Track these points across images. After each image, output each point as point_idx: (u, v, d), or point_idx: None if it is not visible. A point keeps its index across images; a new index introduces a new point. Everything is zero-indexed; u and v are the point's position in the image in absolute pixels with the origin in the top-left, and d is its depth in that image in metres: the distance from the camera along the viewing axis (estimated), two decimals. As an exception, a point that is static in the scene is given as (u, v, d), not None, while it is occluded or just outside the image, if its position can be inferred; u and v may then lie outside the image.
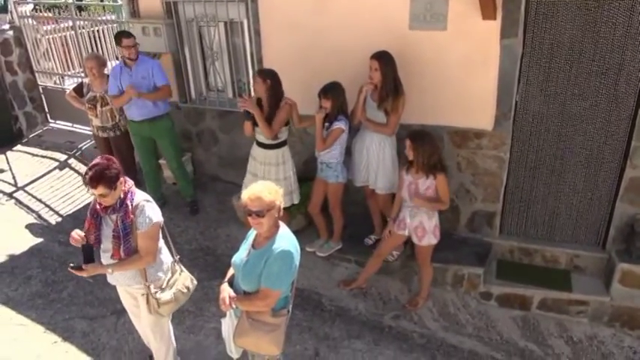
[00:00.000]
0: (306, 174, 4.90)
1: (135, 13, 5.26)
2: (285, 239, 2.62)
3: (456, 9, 3.93)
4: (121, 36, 4.63)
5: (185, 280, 3.18)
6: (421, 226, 3.84)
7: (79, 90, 5.21)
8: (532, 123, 4.09)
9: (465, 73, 4.09)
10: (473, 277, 4.27)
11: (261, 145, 4.22)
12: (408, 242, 4.19)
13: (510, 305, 4.22)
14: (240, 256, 2.75)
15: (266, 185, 2.59)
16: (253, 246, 2.69)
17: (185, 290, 3.14)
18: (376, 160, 4.15)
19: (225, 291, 2.68)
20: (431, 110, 4.29)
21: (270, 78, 4.07)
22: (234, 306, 2.64)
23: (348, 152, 4.27)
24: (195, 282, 3.26)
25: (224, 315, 2.90)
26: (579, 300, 4.07)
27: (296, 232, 4.67)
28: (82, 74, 6.59)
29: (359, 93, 4.08)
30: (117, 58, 6.58)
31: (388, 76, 3.92)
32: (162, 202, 5.31)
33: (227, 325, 2.87)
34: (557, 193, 4.25)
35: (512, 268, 4.41)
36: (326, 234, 4.57)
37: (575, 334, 3.98)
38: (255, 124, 4.11)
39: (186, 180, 5.28)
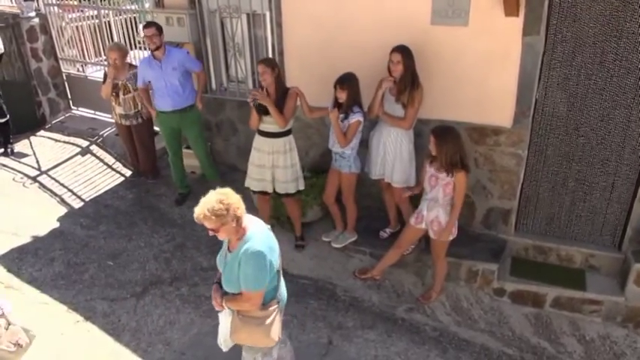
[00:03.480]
0: (324, 166, 4.94)
1: (159, 3, 5.34)
2: (255, 239, 2.57)
3: (478, 5, 3.93)
4: (144, 26, 4.75)
5: (12, 336, 2.76)
6: (437, 220, 3.87)
7: (105, 80, 5.31)
8: (551, 121, 4.09)
9: (486, 69, 4.09)
10: (487, 273, 4.29)
11: (267, 134, 4.25)
12: (424, 236, 4.22)
13: (523, 302, 4.23)
14: (221, 256, 2.76)
15: (212, 203, 2.45)
16: (229, 249, 2.68)
17: (12, 348, 2.72)
18: (393, 154, 4.19)
19: (217, 292, 2.72)
20: (450, 106, 4.31)
21: (277, 66, 4.15)
22: (225, 307, 2.68)
23: (364, 144, 4.31)
24: (33, 334, 2.85)
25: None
26: (593, 299, 4.07)
27: (312, 223, 4.84)
28: (105, 62, 6.69)
29: (377, 87, 4.12)
30: (137, 47, 6.69)
31: (408, 68, 3.96)
32: (187, 191, 5.42)
33: (223, 321, 2.83)
34: (575, 192, 4.24)
35: (527, 266, 4.42)
36: (341, 225, 4.62)
37: (588, 333, 3.99)
38: (262, 114, 4.15)
39: (213, 168, 5.37)
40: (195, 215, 2.50)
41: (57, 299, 4.05)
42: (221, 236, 2.56)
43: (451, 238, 3.94)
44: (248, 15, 5.05)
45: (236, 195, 2.55)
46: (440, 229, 3.88)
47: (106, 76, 5.29)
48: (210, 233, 2.54)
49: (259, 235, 2.61)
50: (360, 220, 4.66)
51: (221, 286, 2.75)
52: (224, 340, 2.83)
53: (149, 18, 5.79)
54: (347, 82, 3.99)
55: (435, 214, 3.86)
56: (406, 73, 3.97)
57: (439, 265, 4.15)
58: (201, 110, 5.10)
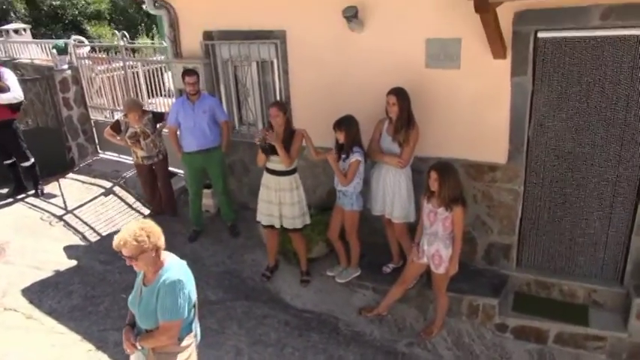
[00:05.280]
0: (330, 204, 5.12)
1: (178, 54, 5.79)
2: (173, 269, 2.60)
3: (468, 49, 4.17)
4: (184, 74, 5.13)
5: None
6: (438, 254, 3.96)
7: (116, 127, 5.69)
8: (545, 157, 4.21)
9: (479, 108, 4.29)
10: (488, 308, 4.32)
11: (274, 172, 4.48)
12: (425, 271, 4.31)
13: (526, 338, 4.24)
14: (134, 296, 2.73)
15: (133, 230, 2.50)
16: (144, 283, 2.67)
17: None
18: (392, 190, 4.35)
19: (129, 333, 2.71)
20: (447, 144, 4.49)
21: (287, 110, 4.45)
22: (139, 347, 2.66)
23: (365, 181, 4.49)
24: None
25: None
26: (597, 335, 4.05)
27: (318, 259, 4.98)
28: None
29: (375, 128, 4.36)
30: (163, 95, 7.16)
31: (404, 110, 4.18)
32: (201, 229, 5.68)
33: None
34: (574, 227, 4.30)
35: (529, 301, 4.43)
36: (345, 260, 4.75)
37: (593, 370, 3.95)
38: (268, 154, 4.40)
39: (230, 206, 5.64)
40: (115, 242, 2.49)
41: (72, 329, 4.26)
42: (138, 266, 2.56)
43: (454, 272, 4.03)
44: (257, 63, 5.42)
45: (157, 227, 2.58)
46: (440, 263, 3.97)
47: (118, 123, 5.69)
48: (128, 263, 2.53)
49: (177, 266, 2.65)
50: (363, 256, 4.78)
51: (132, 329, 2.75)
52: None
53: (168, 68, 6.25)
54: (344, 124, 4.23)
55: (436, 247, 3.97)
56: (402, 113, 4.19)
57: (440, 300, 4.21)
58: (225, 153, 5.45)
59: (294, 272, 4.97)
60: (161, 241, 2.58)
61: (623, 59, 3.73)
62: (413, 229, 4.46)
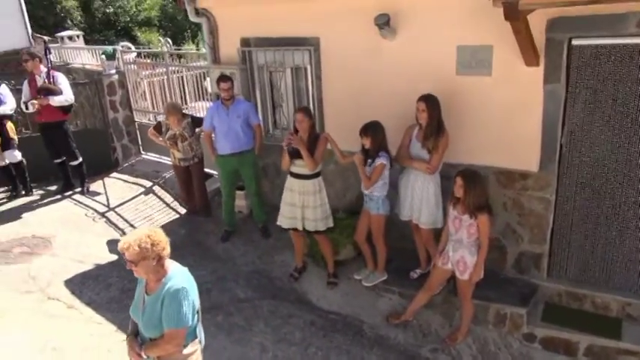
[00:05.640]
0: (358, 208, 5.17)
1: (216, 60, 6.00)
2: (177, 277, 2.60)
3: (500, 56, 4.16)
4: (219, 79, 5.33)
5: None
6: (462, 260, 3.96)
7: (158, 128, 5.99)
8: (578, 165, 4.13)
9: (510, 116, 4.26)
10: (516, 316, 4.26)
11: (298, 176, 4.57)
12: (452, 277, 4.30)
13: (555, 349, 4.15)
14: (136, 305, 2.74)
15: (140, 236, 2.52)
16: (146, 292, 2.67)
17: None
18: (420, 196, 4.37)
19: (133, 342, 2.73)
20: (479, 150, 4.47)
21: (312, 115, 4.54)
22: (145, 356, 2.67)
23: (394, 186, 4.53)
24: None
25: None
26: (629, 350, 3.93)
27: (345, 262, 5.04)
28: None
29: (405, 134, 4.39)
30: (205, 99, 7.43)
31: (433, 116, 4.20)
32: (233, 229, 5.85)
33: None
34: (608, 238, 4.19)
35: (560, 312, 4.34)
36: (372, 264, 4.79)
37: (624, 385, 3.84)
38: (294, 157, 4.50)
39: (261, 207, 5.78)
40: (120, 244, 2.54)
41: (109, 320, 4.49)
42: (138, 272, 2.58)
43: (478, 279, 4.01)
44: (292, 69, 5.56)
45: (165, 237, 2.61)
46: (465, 269, 3.96)
47: (160, 124, 5.97)
48: (128, 267, 2.56)
49: (180, 274, 2.66)
50: (392, 261, 4.82)
51: (136, 338, 2.78)
52: None
53: (207, 73, 6.48)
54: (370, 129, 4.29)
55: (461, 254, 3.96)
56: (431, 120, 4.21)
57: (465, 307, 4.19)
58: (257, 155, 5.62)
59: (321, 274, 5.04)
60: (165, 252, 2.59)
61: (661, 67, 3.63)
62: (440, 235, 4.46)
